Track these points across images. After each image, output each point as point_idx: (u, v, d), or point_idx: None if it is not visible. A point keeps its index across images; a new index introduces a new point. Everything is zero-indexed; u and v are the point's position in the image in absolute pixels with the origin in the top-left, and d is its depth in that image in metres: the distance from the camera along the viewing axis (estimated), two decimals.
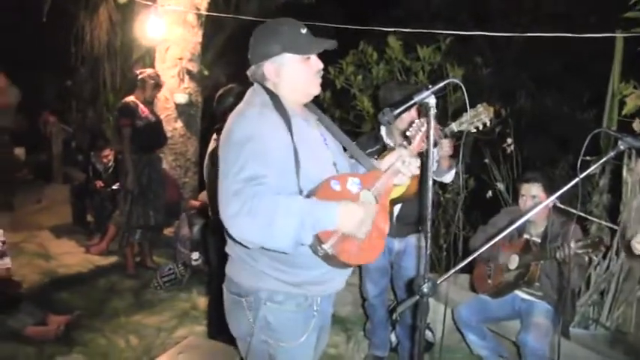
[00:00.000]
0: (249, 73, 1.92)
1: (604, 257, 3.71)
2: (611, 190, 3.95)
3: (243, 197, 1.62)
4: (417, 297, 1.65)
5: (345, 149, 2.08)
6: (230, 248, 1.93)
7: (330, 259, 1.75)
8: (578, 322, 3.63)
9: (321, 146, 1.92)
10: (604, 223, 3.85)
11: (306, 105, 1.97)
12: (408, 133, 2.02)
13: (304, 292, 1.84)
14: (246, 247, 1.76)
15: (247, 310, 1.84)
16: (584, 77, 6.61)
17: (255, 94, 1.86)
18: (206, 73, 6.79)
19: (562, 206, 3.37)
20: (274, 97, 1.82)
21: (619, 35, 3.82)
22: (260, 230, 1.62)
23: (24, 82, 6.66)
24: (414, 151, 1.94)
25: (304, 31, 1.85)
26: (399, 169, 1.89)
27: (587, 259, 3.10)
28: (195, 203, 5.49)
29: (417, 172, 1.91)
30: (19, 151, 7.88)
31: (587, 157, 1.92)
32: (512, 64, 7.71)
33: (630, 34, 3.61)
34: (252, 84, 1.93)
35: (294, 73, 1.84)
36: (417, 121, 1.97)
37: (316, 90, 1.91)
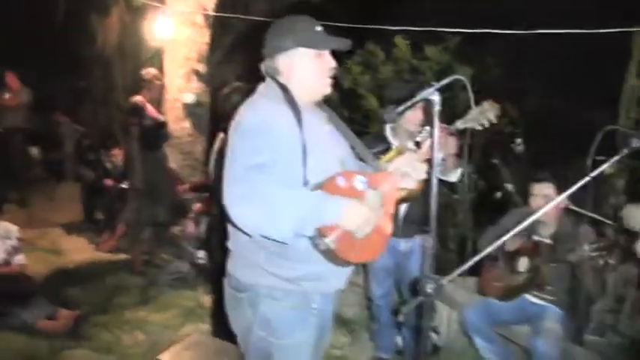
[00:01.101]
0: (262, 67, 1.93)
1: (623, 261, 3.62)
2: (633, 193, 3.86)
3: (249, 183, 1.63)
4: (421, 298, 1.62)
5: (353, 149, 2.06)
6: (231, 243, 1.93)
7: (330, 255, 1.73)
8: (593, 329, 3.55)
9: (329, 142, 1.92)
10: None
11: (316, 103, 1.98)
12: (418, 139, 2.00)
13: (301, 289, 1.82)
14: (245, 239, 1.77)
15: (247, 305, 1.84)
16: (598, 76, 6.50)
17: (267, 87, 1.89)
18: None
19: (574, 207, 3.29)
20: (286, 91, 1.83)
21: (636, 30, 3.72)
22: (262, 217, 1.62)
23: (38, 84, 6.84)
24: (423, 156, 1.93)
25: (319, 28, 1.88)
26: (407, 173, 1.90)
27: (601, 262, 3.03)
28: (185, 187, 5.59)
29: (425, 176, 1.91)
30: (34, 150, 7.96)
31: (602, 157, 1.86)
32: (524, 63, 7.62)
33: None
34: (260, 82, 1.94)
35: (307, 68, 1.85)
36: (428, 127, 1.96)
37: (326, 89, 1.92)
